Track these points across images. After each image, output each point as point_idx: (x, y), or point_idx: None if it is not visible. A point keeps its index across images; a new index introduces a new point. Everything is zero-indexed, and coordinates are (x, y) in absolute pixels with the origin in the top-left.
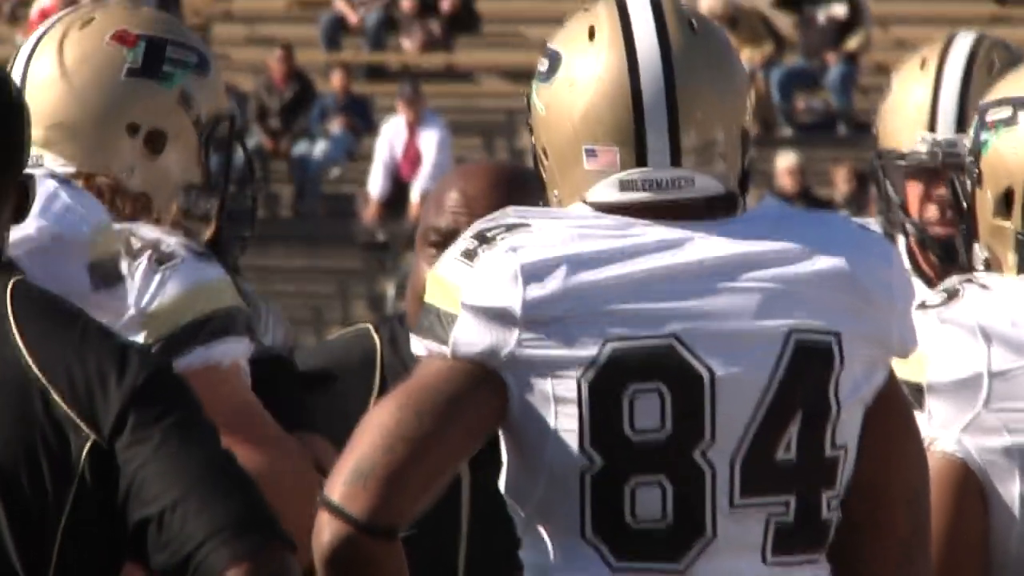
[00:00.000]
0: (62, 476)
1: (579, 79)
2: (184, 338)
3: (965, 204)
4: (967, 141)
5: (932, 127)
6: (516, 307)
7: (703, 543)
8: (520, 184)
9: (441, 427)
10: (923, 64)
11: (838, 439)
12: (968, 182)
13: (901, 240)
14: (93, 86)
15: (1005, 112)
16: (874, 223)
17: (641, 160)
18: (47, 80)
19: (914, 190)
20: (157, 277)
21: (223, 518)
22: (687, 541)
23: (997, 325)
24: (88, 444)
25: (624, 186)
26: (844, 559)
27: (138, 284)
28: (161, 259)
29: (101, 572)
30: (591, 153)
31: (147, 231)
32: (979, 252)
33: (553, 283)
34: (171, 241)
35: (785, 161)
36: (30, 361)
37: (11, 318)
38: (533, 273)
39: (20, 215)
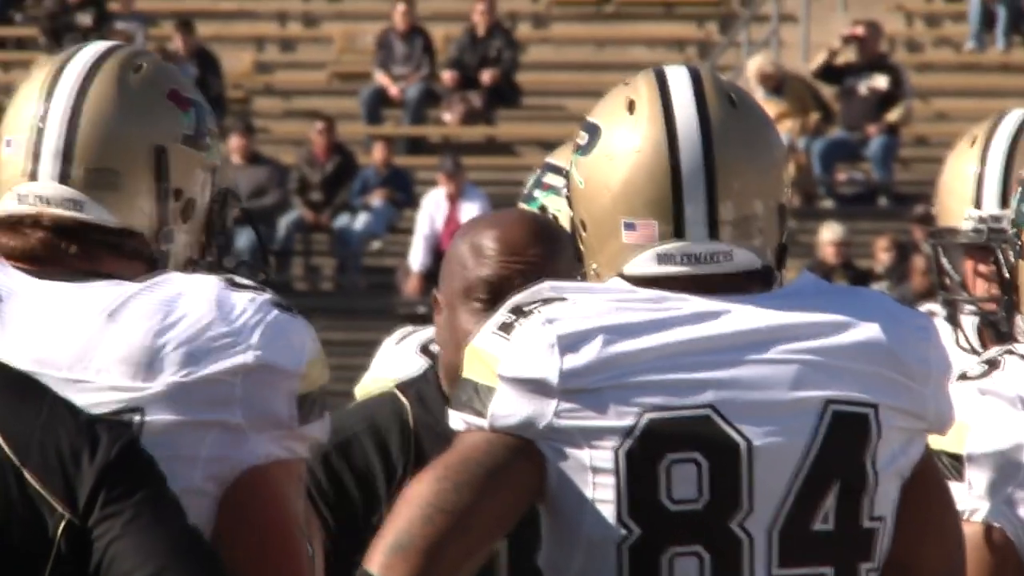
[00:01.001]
0: (38, 554)
1: (618, 152)
2: None
3: (1008, 275)
4: (1011, 214)
5: (978, 203)
6: (553, 378)
7: None
8: (553, 231)
9: (480, 499)
10: (972, 142)
11: (876, 511)
12: (1011, 253)
13: (967, 319)
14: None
15: None
16: (938, 307)
17: (679, 233)
18: None
19: (967, 267)
20: None
21: None
22: None
23: None
24: (63, 522)
25: (662, 259)
26: None
27: None
28: None
29: None
30: (629, 226)
31: None
32: (1021, 323)
33: (590, 354)
34: None
35: (830, 233)
36: (0, 441)
37: None
38: (570, 344)
39: None
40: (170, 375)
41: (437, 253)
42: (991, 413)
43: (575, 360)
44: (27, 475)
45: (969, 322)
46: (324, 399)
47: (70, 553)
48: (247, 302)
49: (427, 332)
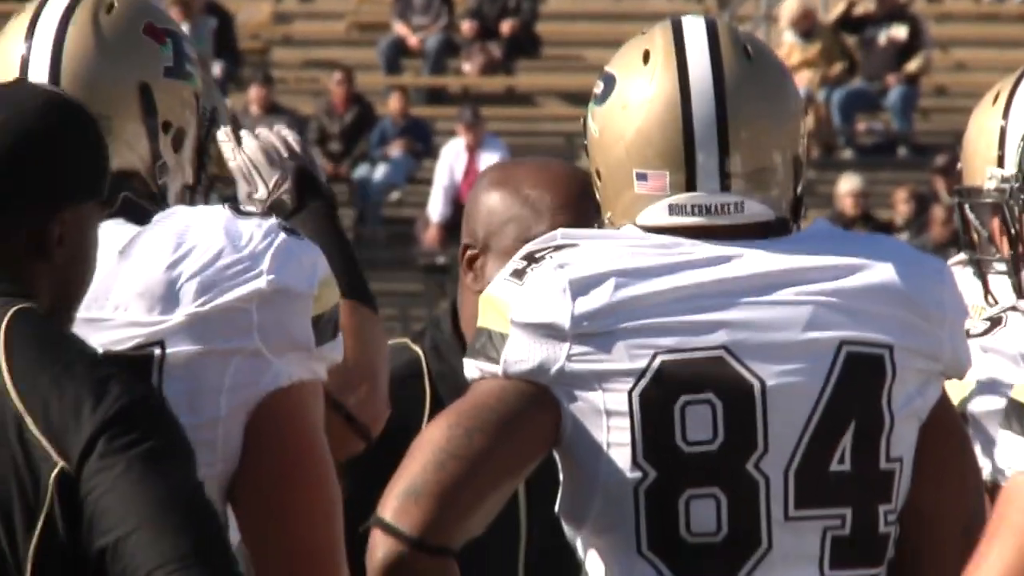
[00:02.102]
0: (31, 503)
1: (632, 102)
2: None
3: (1014, 231)
4: (1015, 169)
5: (1001, 161)
6: (565, 321)
7: (759, 555)
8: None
9: (493, 445)
10: (996, 98)
11: (893, 452)
12: (1016, 209)
13: (994, 276)
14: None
15: None
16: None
17: (691, 184)
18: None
19: (994, 224)
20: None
21: (173, 550)
22: (743, 554)
23: None
24: (56, 471)
25: (673, 210)
26: None
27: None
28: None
29: None
30: (641, 177)
31: None
32: None
33: (601, 297)
34: None
35: (848, 184)
36: (11, 389)
37: (1, 347)
38: (581, 287)
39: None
40: (187, 305)
41: (456, 204)
42: (993, 371)
43: (587, 304)
44: (27, 421)
45: (998, 279)
46: (337, 319)
47: (62, 508)
48: (254, 228)
49: None
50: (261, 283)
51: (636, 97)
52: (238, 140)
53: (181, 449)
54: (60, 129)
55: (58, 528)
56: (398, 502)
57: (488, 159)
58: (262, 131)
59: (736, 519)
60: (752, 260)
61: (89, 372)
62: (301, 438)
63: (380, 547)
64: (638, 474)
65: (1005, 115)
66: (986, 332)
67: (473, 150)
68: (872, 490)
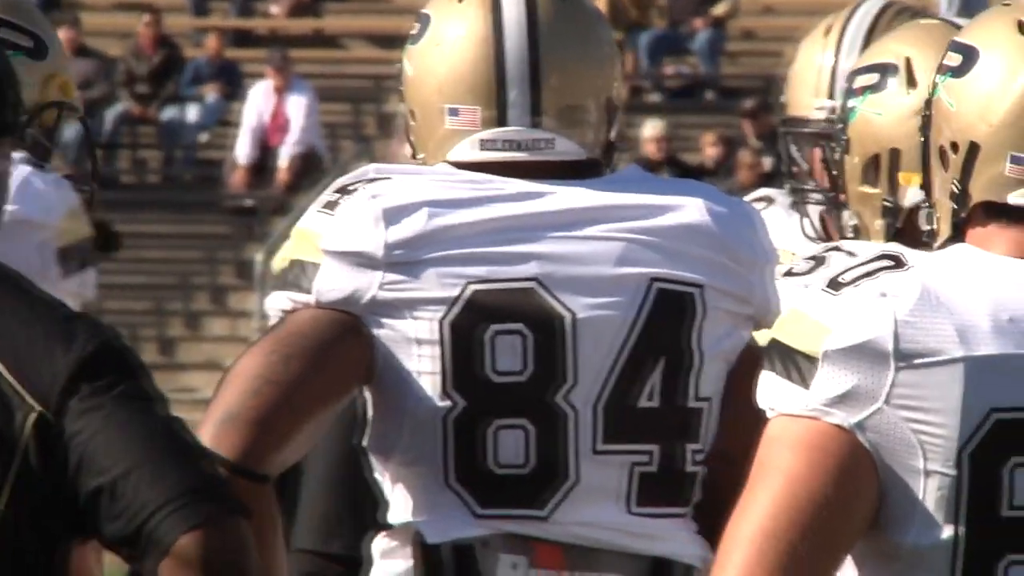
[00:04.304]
0: (6, 448)
1: (445, 39)
2: None
3: (834, 171)
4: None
5: (831, 94)
6: (378, 250)
7: (566, 488)
8: None
9: (309, 372)
10: (827, 31)
11: (701, 391)
12: (837, 149)
13: (812, 208)
14: None
15: (872, 78)
16: (783, 194)
17: (502, 120)
18: None
19: (815, 156)
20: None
21: (177, 486)
22: (550, 486)
23: None
24: (33, 416)
25: (484, 145)
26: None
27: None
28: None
29: (49, 546)
30: (453, 112)
31: None
32: (847, 219)
33: (414, 225)
34: None
35: (651, 130)
36: None
37: None
38: (394, 216)
39: None
40: None
41: (263, 146)
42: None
43: (400, 232)
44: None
45: (815, 211)
46: (86, 253)
47: (39, 453)
48: None
49: None
50: None
51: (450, 35)
52: None
53: (153, 387)
54: None
55: (34, 472)
56: (215, 428)
57: (296, 102)
58: None
59: (544, 451)
60: (564, 196)
61: (52, 314)
62: None
63: None
64: (447, 403)
65: (838, 47)
66: (810, 271)
67: (281, 92)
68: (680, 428)
